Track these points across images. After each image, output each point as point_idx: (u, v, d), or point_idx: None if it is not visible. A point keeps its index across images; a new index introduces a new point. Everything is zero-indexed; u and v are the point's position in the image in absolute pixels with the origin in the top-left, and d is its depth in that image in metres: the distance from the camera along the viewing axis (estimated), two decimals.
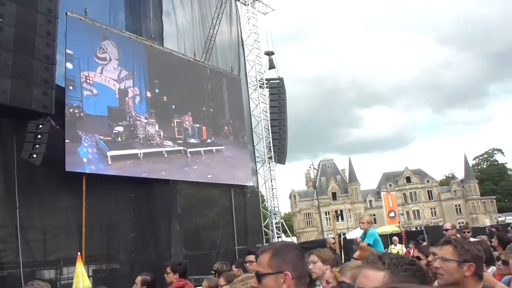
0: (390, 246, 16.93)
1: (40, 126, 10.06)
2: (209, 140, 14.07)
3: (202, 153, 13.58)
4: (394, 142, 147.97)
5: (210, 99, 15.57)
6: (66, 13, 11.42)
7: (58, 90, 10.02)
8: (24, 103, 9.07)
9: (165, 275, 5.77)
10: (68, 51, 10.69)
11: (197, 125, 13.69)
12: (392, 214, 31.97)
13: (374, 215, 47.16)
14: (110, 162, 10.52)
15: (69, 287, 8.39)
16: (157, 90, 12.81)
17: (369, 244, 6.93)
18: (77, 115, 10.40)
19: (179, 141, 12.83)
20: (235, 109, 17.31)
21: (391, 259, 1.67)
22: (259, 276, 1.94)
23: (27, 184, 10.46)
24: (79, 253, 8.05)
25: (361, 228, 7.28)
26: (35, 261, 10.48)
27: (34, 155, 9.86)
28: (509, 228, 15.80)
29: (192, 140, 13.27)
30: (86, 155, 10.25)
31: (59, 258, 11.00)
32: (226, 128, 15.57)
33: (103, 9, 13.42)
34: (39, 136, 9.98)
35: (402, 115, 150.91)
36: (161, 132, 12.31)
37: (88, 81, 10.69)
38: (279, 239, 18.04)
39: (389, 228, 28.49)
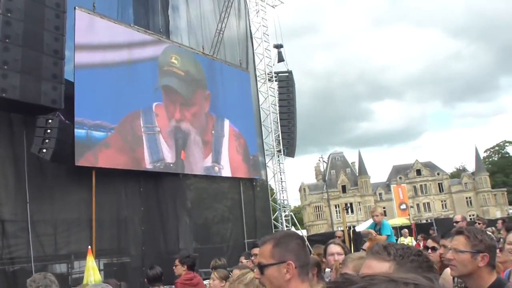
0: (399, 239, 16.95)
1: (50, 121, 9.99)
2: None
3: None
4: (404, 136, 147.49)
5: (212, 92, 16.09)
6: (75, 7, 11.43)
7: (67, 84, 10.06)
8: (33, 98, 9.09)
9: (174, 267, 5.79)
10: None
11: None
12: (403, 207, 31.91)
13: (384, 207, 46.94)
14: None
15: (80, 281, 8.39)
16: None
17: (388, 236, 6.88)
18: None
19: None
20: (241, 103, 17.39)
21: (397, 250, 1.59)
22: (262, 267, 1.92)
23: (37, 179, 10.41)
24: (89, 247, 8.03)
25: (375, 221, 7.19)
26: (46, 256, 10.49)
27: (44, 150, 9.79)
28: None
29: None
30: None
31: (70, 252, 11.01)
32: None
33: (112, 4, 13.41)
34: (48, 130, 9.89)
35: (411, 108, 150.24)
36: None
37: None
38: None
39: (399, 220, 28.45)
